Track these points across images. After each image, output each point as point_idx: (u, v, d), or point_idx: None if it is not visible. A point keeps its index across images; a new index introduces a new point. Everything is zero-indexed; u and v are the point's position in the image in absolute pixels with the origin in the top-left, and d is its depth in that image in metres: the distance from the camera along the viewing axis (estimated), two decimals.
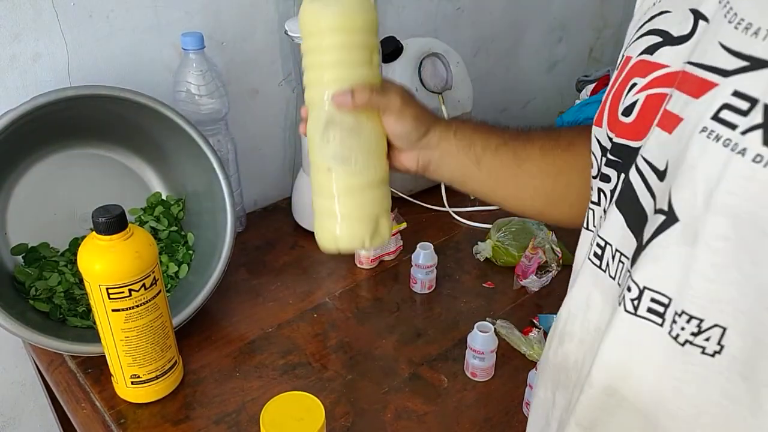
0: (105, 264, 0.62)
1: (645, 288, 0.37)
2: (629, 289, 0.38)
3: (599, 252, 0.42)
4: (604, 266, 0.42)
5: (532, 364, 0.72)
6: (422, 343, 0.81)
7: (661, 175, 0.36)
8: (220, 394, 0.73)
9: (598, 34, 1.65)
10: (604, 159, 0.44)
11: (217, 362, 0.77)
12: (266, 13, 0.98)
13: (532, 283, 0.89)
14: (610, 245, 0.41)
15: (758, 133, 0.30)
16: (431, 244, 0.89)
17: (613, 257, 0.41)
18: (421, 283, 0.89)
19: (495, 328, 0.76)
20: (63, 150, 0.82)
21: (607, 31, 1.66)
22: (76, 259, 0.66)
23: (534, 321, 0.84)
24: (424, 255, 0.87)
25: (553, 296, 0.90)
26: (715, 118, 0.32)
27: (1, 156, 0.75)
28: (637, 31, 0.43)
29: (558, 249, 0.94)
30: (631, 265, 0.38)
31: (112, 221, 0.61)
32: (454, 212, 1.07)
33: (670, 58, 0.38)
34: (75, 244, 0.84)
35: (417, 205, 1.08)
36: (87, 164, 0.84)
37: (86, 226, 0.84)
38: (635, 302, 0.37)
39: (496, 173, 0.61)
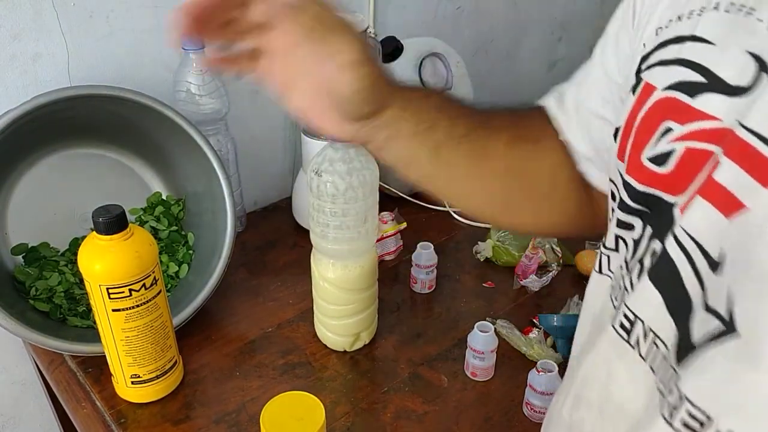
0: (105, 264, 0.62)
1: (685, 398, 0.31)
2: (671, 392, 0.33)
3: (627, 326, 0.36)
4: (633, 342, 0.36)
5: (532, 364, 0.72)
6: (422, 343, 0.81)
7: (714, 264, 0.30)
8: (220, 393, 0.73)
9: (598, 34, 1.65)
10: (624, 204, 0.38)
11: (217, 362, 0.77)
12: None
13: (533, 282, 0.89)
14: (642, 321, 0.35)
15: None
16: (431, 244, 0.89)
17: (645, 336, 0.35)
18: (421, 282, 0.89)
19: (495, 328, 0.76)
20: (63, 150, 0.82)
21: None
22: (76, 259, 0.66)
23: (534, 321, 0.84)
24: (425, 255, 0.87)
25: (553, 296, 0.90)
26: None
27: (1, 156, 0.75)
28: (654, 50, 0.36)
29: (558, 249, 0.94)
30: (677, 363, 0.33)
31: (112, 221, 0.61)
32: (454, 212, 1.07)
33: (723, 111, 0.31)
34: (75, 244, 0.84)
35: (417, 205, 1.08)
36: (87, 164, 0.84)
37: (86, 226, 0.84)
38: (673, 412, 0.32)
39: (454, 166, 0.51)
